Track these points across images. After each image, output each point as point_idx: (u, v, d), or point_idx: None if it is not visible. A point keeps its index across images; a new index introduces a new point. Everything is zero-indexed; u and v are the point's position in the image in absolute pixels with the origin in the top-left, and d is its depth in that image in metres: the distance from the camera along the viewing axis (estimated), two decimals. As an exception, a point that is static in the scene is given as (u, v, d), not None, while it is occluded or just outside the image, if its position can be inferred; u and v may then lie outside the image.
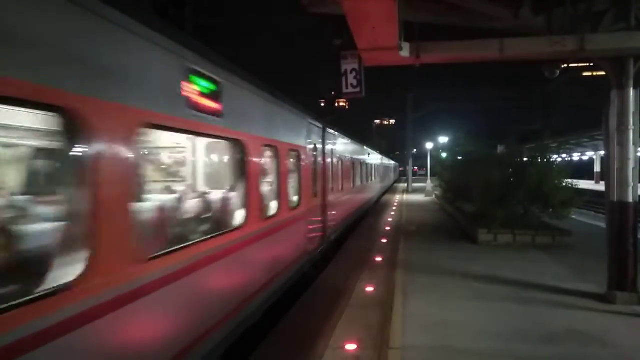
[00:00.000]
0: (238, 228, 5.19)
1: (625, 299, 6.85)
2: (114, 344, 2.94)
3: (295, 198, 7.82)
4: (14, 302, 2.24)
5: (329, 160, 10.87)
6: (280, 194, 6.79)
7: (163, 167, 6.51)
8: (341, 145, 13.18)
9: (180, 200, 5.29)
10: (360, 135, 27.24)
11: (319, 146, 9.87)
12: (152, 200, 4.69)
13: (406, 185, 39.85)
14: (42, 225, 3.19)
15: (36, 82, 2.38)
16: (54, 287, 2.50)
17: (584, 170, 47.72)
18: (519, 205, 12.93)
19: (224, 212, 5.58)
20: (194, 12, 17.38)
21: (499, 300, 7.17)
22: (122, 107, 3.06)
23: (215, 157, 7.08)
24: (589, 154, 49.23)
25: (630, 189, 6.87)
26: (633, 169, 6.86)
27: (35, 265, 2.77)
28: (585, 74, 64.45)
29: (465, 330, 5.87)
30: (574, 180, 13.64)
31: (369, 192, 22.22)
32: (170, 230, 4.62)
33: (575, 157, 51.92)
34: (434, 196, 29.26)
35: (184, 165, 6.64)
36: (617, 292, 6.93)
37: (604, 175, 8.72)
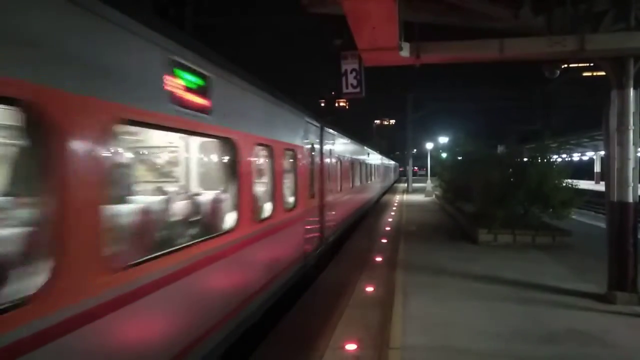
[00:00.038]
0: (227, 232, 4.90)
1: (625, 299, 6.85)
2: None
3: (290, 199, 7.59)
4: None
5: (327, 160, 10.71)
6: (275, 195, 6.54)
7: (145, 167, 6.13)
8: (340, 145, 13.01)
9: (163, 202, 4.96)
10: (360, 135, 27.25)
11: (317, 146, 9.70)
12: (132, 203, 4.40)
13: (406, 185, 39.86)
14: None
15: None
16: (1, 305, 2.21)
17: (584, 170, 47.73)
18: (519, 205, 12.92)
19: (212, 215, 5.29)
20: (194, 12, 17.37)
21: (499, 300, 7.17)
22: (93, 100, 2.78)
23: (203, 157, 6.74)
24: (589, 154, 49.23)
25: (630, 189, 6.87)
26: (633, 169, 6.86)
27: None
28: (585, 74, 64.52)
29: (465, 330, 5.87)
30: (574, 181, 13.64)
31: (369, 192, 22.18)
32: (151, 235, 4.25)
33: (575, 157, 51.93)
34: (434, 196, 29.25)
35: (168, 165, 6.35)
36: (617, 292, 6.93)
37: (604, 175, 8.72)
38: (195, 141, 6.46)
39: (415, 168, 67.14)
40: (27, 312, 2.27)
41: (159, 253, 3.55)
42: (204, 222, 5.23)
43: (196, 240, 4.24)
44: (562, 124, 55.90)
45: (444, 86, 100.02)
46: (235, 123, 5.06)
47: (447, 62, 8.23)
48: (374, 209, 22.31)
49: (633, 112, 6.83)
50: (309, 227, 8.66)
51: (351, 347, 5.34)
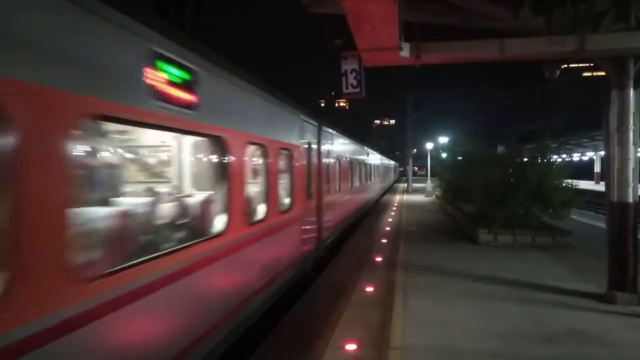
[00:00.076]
0: (216, 236, 4.61)
1: (625, 299, 6.85)
2: None
3: (285, 201, 7.34)
4: None
5: (325, 160, 10.51)
6: (268, 196, 6.26)
7: (125, 166, 5.58)
8: (338, 145, 12.82)
9: (144, 206, 4.53)
10: (360, 135, 27.26)
11: (314, 145, 9.45)
12: (108, 207, 4.12)
13: (406, 185, 39.86)
14: None
15: None
16: None
17: (584, 170, 47.76)
18: (519, 206, 12.94)
19: (198, 218, 4.96)
20: (194, 12, 17.37)
21: (499, 300, 7.17)
22: (57, 92, 2.51)
23: (190, 156, 6.34)
24: (589, 154, 49.25)
25: (630, 189, 6.88)
26: (633, 169, 6.87)
27: None
28: (585, 74, 64.61)
29: (465, 330, 5.87)
30: (574, 181, 13.65)
31: (368, 192, 22.14)
32: (129, 241, 3.88)
33: (575, 157, 51.95)
34: (434, 196, 29.25)
35: (152, 166, 6.03)
36: (617, 292, 6.93)
37: (604, 176, 8.73)
38: (182, 139, 6.09)
39: (415, 168, 67.14)
40: None
41: (140, 260, 3.32)
42: (190, 225, 4.90)
43: (182, 245, 4.00)
44: (562, 124, 56.04)
45: (444, 86, 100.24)
46: (224, 120, 4.79)
47: (447, 62, 8.23)
48: (374, 209, 22.31)
49: (633, 112, 6.83)
50: (306, 228, 8.51)
51: (351, 347, 5.33)
